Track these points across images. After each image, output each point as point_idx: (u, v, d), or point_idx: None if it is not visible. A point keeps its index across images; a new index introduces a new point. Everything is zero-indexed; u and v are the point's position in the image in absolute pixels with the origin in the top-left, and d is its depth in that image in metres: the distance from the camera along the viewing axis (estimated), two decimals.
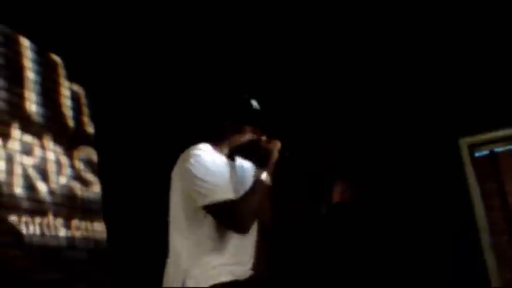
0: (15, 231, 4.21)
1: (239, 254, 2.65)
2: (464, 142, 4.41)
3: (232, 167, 2.78)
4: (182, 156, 2.64)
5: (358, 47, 4.70)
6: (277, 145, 2.72)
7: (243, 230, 2.59)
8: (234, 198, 2.56)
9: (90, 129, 5.26)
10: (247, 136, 2.76)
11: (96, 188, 5.14)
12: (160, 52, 5.33)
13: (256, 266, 2.70)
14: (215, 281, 2.54)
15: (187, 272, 2.55)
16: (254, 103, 2.78)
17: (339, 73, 4.78)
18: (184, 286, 2.52)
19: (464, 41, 4.43)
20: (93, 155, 5.21)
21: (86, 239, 4.84)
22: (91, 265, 4.80)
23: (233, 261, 2.62)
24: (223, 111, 2.80)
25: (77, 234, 4.77)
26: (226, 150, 2.76)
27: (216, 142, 2.75)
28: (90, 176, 5.11)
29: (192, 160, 2.57)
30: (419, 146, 4.45)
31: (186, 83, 5.29)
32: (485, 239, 4.28)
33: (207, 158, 2.61)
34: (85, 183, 5.03)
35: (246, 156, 2.81)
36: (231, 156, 2.78)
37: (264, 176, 2.63)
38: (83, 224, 4.86)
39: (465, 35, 4.43)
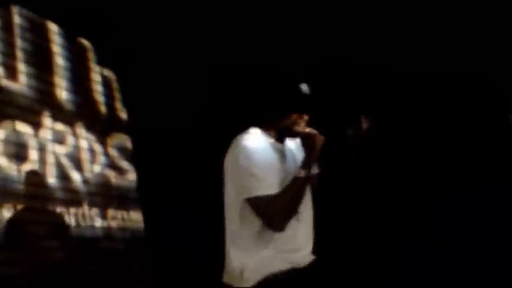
0: (50, 222, 4.15)
1: (292, 241, 2.63)
2: None
3: (282, 151, 2.73)
4: (233, 144, 2.63)
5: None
6: (321, 141, 2.64)
7: (275, 227, 2.58)
8: (271, 194, 2.53)
9: (123, 115, 5.18)
10: (296, 123, 2.69)
11: (131, 176, 5.05)
12: (198, 31, 5.17)
13: (314, 249, 2.71)
14: (272, 270, 2.56)
15: (243, 265, 2.58)
16: (304, 87, 2.71)
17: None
18: (242, 279, 2.57)
19: None
20: (127, 142, 5.12)
21: (122, 229, 4.77)
22: (128, 256, 4.73)
23: (286, 249, 2.61)
24: (273, 96, 2.74)
25: (113, 224, 4.70)
26: (274, 133, 2.72)
27: (265, 127, 2.71)
28: (124, 164, 5.02)
29: (240, 149, 2.57)
30: (468, 122, 4.35)
31: (228, 65, 5.11)
32: None
33: (257, 146, 2.59)
34: (120, 171, 4.95)
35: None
36: (279, 139, 2.73)
37: (303, 174, 2.59)
38: (119, 214, 4.78)
39: None
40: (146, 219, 4.97)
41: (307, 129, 2.67)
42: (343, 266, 4.29)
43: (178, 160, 5.12)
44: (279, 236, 2.60)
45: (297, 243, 2.66)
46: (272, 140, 2.70)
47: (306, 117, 2.70)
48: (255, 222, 2.58)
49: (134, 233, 4.86)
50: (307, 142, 2.64)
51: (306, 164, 2.61)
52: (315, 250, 2.75)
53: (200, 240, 4.81)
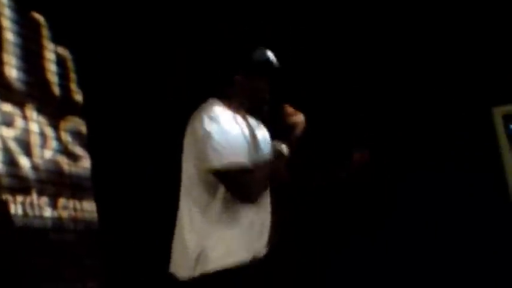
0: None
1: (254, 226, 2.55)
2: (499, 112, 4.27)
3: (246, 125, 2.60)
4: (193, 116, 2.53)
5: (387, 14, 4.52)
6: (302, 119, 2.56)
7: (250, 199, 2.50)
8: (248, 164, 2.45)
9: (78, 97, 4.93)
10: (261, 92, 2.61)
11: (85, 163, 4.82)
12: (158, 7, 5.02)
13: (271, 239, 2.60)
14: (234, 259, 2.44)
15: (202, 248, 2.44)
16: (268, 54, 2.62)
17: (365, 38, 4.62)
18: (202, 268, 2.43)
19: (498, 7, 4.30)
20: (82, 126, 4.89)
21: (74, 220, 4.54)
22: (80, 248, 4.52)
23: (249, 234, 2.52)
24: (233, 62, 2.63)
25: (64, 214, 4.47)
26: (236, 106, 2.62)
27: (225, 98, 2.61)
28: (78, 150, 4.80)
29: (204, 119, 2.46)
30: (451, 115, 4.34)
31: (183, 34, 4.99)
32: None
33: (220, 115, 2.49)
34: (73, 157, 4.72)
35: (263, 117, 2.69)
36: (241, 114, 2.63)
37: (285, 149, 2.53)
38: (71, 203, 4.56)
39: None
40: (100, 210, 4.77)
41: (289, 109, 2.59)
42: (297, 258, 4.20)
43: (136, 146, 4.94)
44: (244, 220, 2.50)
45: (257, 229, 2.56)
46: (236, 114, 2.60)
47: (265, 80, 2.61)
48: (218, 201, 2.48)
49: (87, 224, 4.65)
50: (288, 118, 2.57)
51: (289, 140, 2.54)
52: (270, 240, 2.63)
53: (158, 232, 4.62)
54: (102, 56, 4.99)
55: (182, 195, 2.57)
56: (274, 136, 2.65)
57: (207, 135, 2.42)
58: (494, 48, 4.21)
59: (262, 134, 2.71)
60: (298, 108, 2.61)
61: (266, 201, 2.63)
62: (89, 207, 4.71)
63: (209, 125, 2.44)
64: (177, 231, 2.56)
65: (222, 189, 2.47)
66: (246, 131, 2.58)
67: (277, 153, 2.54)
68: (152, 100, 5.02)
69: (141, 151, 4.92)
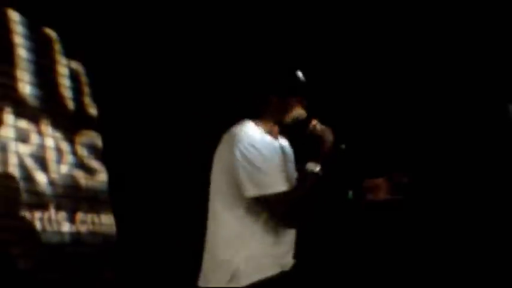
0: (14, 228, 3.95)
1: (284, 244, 2.58)
2: None
3: (279, 147, 2.63)
4: (228, 137, 2.53)
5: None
6: (330, 133, 2.58)
7: (293, 224, 2.55)
8: (287, 191, 2.46)
9: (93, 111, 4.94)
10: (295, 112, 2.61)
11: (102, 177, 4.82)
12: (173, 20, 4.94)
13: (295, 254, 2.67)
14: (265, 274, 2.47)
15: (236, 268, 2.46)
16: (299, 74, 2.64)
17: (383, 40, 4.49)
18: (235, 283, 2.45)
19: None
20: (97, 140, 4.90)
21: (92, 234, 4.56)
22: (99, 262, 4.51)
23: (279, 252, 2.56)
24: (266, 83, 2.65)
25: (83, 228, 4.49)
26: (269, 127, 2.61)
27: (258, 119, 2.60)
28: (94, 163, 4.80)
29: (241, 143, 2.45)
30: (467, 112, 4.23)
31: (208, 52, 4.88)
32: None
33: (257, 139, 2.48)
34: (89, 171, 4.73)
35: (291, 136, 2.69)
36: (274, 135, 2.63)
37: (318, 169, 2.51)
38: (89, 217, 4.58)
39: None
40: (118, 223, 4.77)
41: (317, 125, 2.60)
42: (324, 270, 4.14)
43: (152, 160, 4.90)
44: (276, 239, 2.53)
45: (288, 246, 2.61)
46: (268, 136, 2.58)
47: (304, 102, 2.63)
48: (254, 223, 2.49)
49: (106, 237, 4.66)
50: (316, 133, 2.58)
51: (320, 157, 2.53)
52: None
53: (177, 246, 4.61)
54: (116, 69, 4.97)
55: (211, 211, 2.57)
56: (303, 154, 2.65)
57: (250, 159, 2.42)
58: (510, 44, 4.15)
59: (290, 154, 2.73)
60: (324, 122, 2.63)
61: None
62: (107, 221, 4.72)
63: (251, 149, 2.44)
64: (208, 246, 2.56)
65: (259, 211, 2.49)
66: (280, 154, 2.59)
67: (311, 175, 2.51)
68: (167, 112, 4.96)
69: (157, 163, 4.88)
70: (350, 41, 4.54)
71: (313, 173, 2.49)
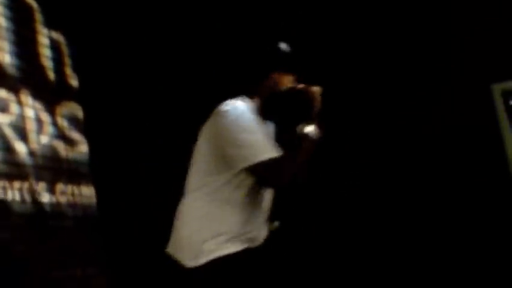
0: None
1: (255, 223, 2.55)
2: (498, 88, 4.13)
3: (263, 125, 2.58)
4: (217, 113, 2.48)
5: None
6: (317, 92, 2.53)
7: (283, 187, 2.50)
8: (279, 156, 2.41)
9: (74, 82, 4.92)
10: (280, 85, 2.58)
11: (82, 148, 4.82)
12: None
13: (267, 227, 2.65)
14: (237, 248, 2.46)
15: (200, 247, 2.44)
16: (283, 46, 2.61)
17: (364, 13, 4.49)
18: (206, 255, 2.43)
19: None
20: (78, 111, 4.89)
21: (72, 205, 4.53)
22: (79, 234, 4.50)
23: (248, 231, 2.52)
24: (250, 59, 2.64)
25: (62, 199, 4.46)
26: (258, 104, 2.58)
27: (247, 96, 2.57)
28: (75, 135, 4.79)
29: (231, 117, 2.43)
30: (450, 93, 4.21)
31: (189, 25, 4.84)
32: None
33: (247, 113, 2.46)
34: (70, 142, 4.71)
35: (281, 109, 2.62)
36: (260, 112, 2.59)
37: (309, 129, 2.47)
38: (69, 189, 4.55)
39: None
40: (98, 195, 4.76)
41: (300, 85, 2.58)
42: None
43: (133, 131, 4.87)
44: (250, 214, 2.51)
45: (261, 220, 2.59)
46: (253, 112, 2.54)
47: (290, 77, 2.60)
48: (231, 199, 2.47)
49: (86, 209, 4.65)
50: (304, 97, 2.54)
51: (310, 117, 2.50)
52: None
53: (157, 218, 4.59)
54: (97, 40, 4.93)
55: (190, 184, 2.54)
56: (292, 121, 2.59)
57: (236, 135, 2.40)
58: (492, 25, 4.13)
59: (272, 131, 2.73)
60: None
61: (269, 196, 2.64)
62: (87, 192, 4.70)
63: (238, 125, 2.42)
64: (176, 223, 2.54)
65: (241, 184, 2.47)
66: (265, 128, 2.59)
67: (304, 137, 2.48)
68: (148, 82, 4.92)
69: (138, 135, 4.86)
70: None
71: (306, 134, 2.46)
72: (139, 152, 4.80)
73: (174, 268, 2.49)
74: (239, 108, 2.48)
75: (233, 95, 2.56)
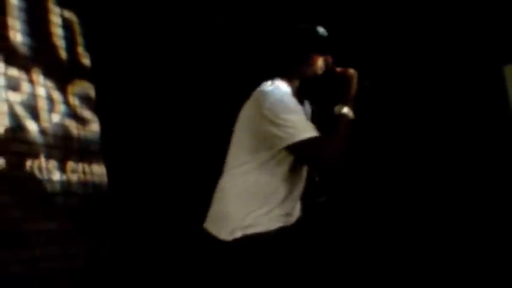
0: (2, 176, 3.89)
1: (291, 200, 2.62)
2: (510, 70, 4.07)
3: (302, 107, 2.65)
4: (260, 92, 2.54)
5: None
6: (354, 74, 2.62)
7: (327, 168, 2.54)
8: (319, 135, 2.48)
9: (86, 60, 4.90)
10: (319, 67, 2.66)
11: (94, 127, 4.82)
12: None
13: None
14: (265, 229, 2.53)
15: (238, 223, 2.51)
16: (320, 29, 2.68)
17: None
18: (243, 231, 2.51)
19: None
20: (90, 90, 4.87)
21: (83, 184, 4.55)
22: (89, 212, 4.51)
23: (286, 208, 2.60)
24: (287, 42, 2.68)
25: (73, 178, 4.47)
26: (295, 86, 2.65)
27: (285, 78, 2.62)
28: (87, 113, 4.79)
29: (275, 96, 2.49)
30: (462, 75, 4.16)
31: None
32: None
33: (288, 94, 2.54)
34: (81, 121, 4.71)
35: (317, 92, 2.72)
36: (298, 95, 2.65)
37: (346, 110, 2.54)
38: (80, 167, 4.57)
39: None
40: (109, 173, 4.77)
41: (336, 68, 2.66)
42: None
43: (145, 110, 4.86)
44: (286, 196, 2.58)
45: (294, 201, 2.65)
46: (293, 94, 2.60)
47: (329, 59, 2.67)
48: (273, 179, 2.54)
49: (96, 187, 4.67)
50: (342, 79, 2.62)
51: (346, 99, 2.57)
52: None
53: (169, 196, 4.63)
54: (109, 19, 4.91)
55: (232, 160, 2.60)
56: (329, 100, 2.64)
57: (277, 116, 2.45)
58: (503, 7, 4.05)
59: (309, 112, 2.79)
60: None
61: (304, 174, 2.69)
62: (98, 171, 4.72)
63: (279, 106, 2.47)
64: (217, 196, 2.60)
65: (279, 157, 2.53)
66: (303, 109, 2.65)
67: (341, 118, 2.54)
68: (162, 63, 4.90)
69: (150, 113, 4.85)
70: None
71: (343, 115, 2.52)
72: (150, 131, 4.80)
73: (205, 243, 2.58)
74: (281, 88, 2.54)
75: (270, 76, 2.61)
